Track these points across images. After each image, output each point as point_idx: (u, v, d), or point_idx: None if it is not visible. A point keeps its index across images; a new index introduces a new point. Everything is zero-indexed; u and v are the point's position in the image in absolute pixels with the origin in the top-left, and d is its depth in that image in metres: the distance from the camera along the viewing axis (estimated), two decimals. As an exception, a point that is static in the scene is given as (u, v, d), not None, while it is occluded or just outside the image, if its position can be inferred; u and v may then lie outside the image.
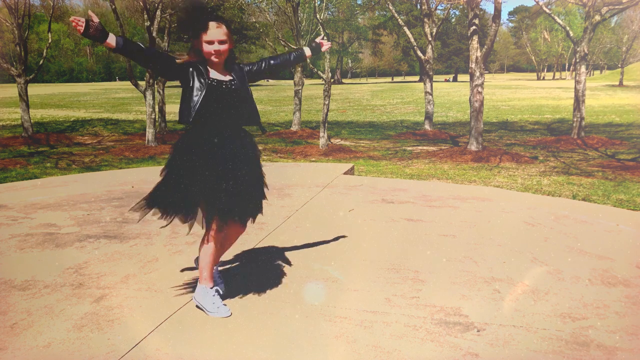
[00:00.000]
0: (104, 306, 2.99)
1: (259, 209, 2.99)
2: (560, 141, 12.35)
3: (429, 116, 15.21)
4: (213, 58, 2.79)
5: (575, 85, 12.41)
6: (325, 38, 3.34)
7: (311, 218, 4.85)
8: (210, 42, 2.76)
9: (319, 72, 11.92)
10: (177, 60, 2.82)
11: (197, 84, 2.79)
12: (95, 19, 2.54)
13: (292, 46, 14.11)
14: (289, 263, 3.67)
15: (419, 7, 26.11)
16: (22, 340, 2.62)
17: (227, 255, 3.80)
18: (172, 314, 2.88)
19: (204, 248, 2.92)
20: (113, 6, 12.01)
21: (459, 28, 63.67)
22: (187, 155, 2.82)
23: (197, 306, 2.93)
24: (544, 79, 74.37)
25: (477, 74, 10.64)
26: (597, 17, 12.00)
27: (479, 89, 10.66)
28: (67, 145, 13.11)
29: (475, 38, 10.65)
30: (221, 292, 3.01)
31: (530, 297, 3.10)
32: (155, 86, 13.56)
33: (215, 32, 2.75)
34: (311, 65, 12.16)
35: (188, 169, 2.81)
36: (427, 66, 14.97)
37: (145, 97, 12.11)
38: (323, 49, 3.24)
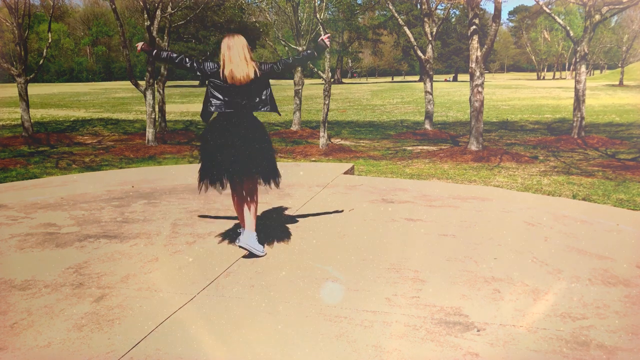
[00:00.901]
0: (104, 306, 2.99)
1: (251, 171, 3.78)
2: (561, 141, 12.35)
3: (429, 116, 15.21)
4: None
5: (575, 85, 12.40)
6: (328, 37, 3.90)
7: (311, 218, 4.85)
8: None
9: (319, 72, 11.92)
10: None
11: None
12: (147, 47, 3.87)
13: (292, 46, 14.12)
14: (289, 263, 3.67)
15: (419, 6, 26.10)
16: (22, 340, 2.62)
17: (227, 255, 3.81)
18: (172, 314, 2.88)
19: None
20: (113, 6, 12.00)
21: (459, 28, 63.63)
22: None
23: (242, 247, 3.75)
24: (544, 78, 74.35)
25: (477, 73, 10.64)
26: (597, 17, 12.00)
27: (479, 89, 10.66)
28: (67, 145, 13.11)
29: (476, 38, 10.64)
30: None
31: (530, 297, 3.10)
32: (155, 86, 13.56)
33: None
34: (311, 65, 12.15)
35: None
36: (427, 66, 14.97)
37: (145, 96, 12.11)
38: (327, 41, 3.86)
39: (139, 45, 3.88)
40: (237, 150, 3.73)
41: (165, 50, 3.93)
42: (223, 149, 3.75)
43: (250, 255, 3.79)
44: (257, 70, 3.73)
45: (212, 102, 3.73)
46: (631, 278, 3.38)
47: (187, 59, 3.83)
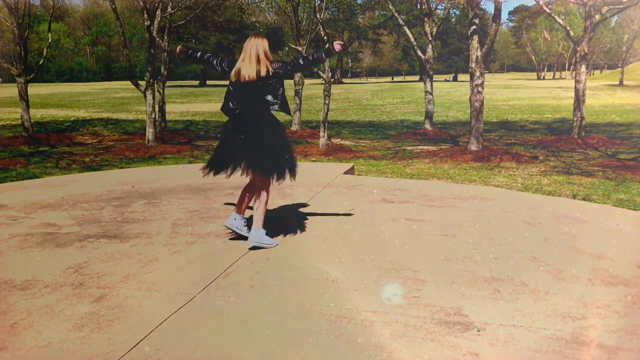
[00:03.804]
0: (104, 306, 2.99)
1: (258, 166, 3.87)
2: (561, 141, 12.35)
3: (429, 116, 15.20)
4: None
5: (575, 85, 12.40)
6: (340, 44, 3.98)
7: (311, 218, 4.84)
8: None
9: (319, 72, 11.92)
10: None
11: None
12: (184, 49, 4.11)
13: (292, 46, 14.10)
14: (288, 263, 3.67)
15: (419, 6, 26.05)
16: (22, 340, 2.62)
17: (227, 255, 3.81)
18: (172, 314, 2.88)
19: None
20: (113, 6, 12.00)
21: (459, 27, 63.59)
22: None
23: (255, 246, 3.89)
24: (544, 78, 74.34)
25: (477, 73, 10.63)
26: (597, 17, 12.00)
27: (479, 89, 10.66)
28: (67, 145, 13.11)
29: (476, 38, 10.64)
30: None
31: (530, 297, 3.10)
32: (155, 86, 13.55)
33: None
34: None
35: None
36: (427, 66, 14.97)
37: (145, 96, 12.11)
38: (337, 47, 3.93)
39: (177, 48, 4.17)
40: (244, 144, 3.87)
41: (198, 51, 4.22)
42: (231, 141, 3.93)
43: (256, 247, 3.93)
44: (269, 68, 3.84)
45: (228, 97, 3.95)
46: (631, 278, 3.38)
47: (212, 58, 4.09)
